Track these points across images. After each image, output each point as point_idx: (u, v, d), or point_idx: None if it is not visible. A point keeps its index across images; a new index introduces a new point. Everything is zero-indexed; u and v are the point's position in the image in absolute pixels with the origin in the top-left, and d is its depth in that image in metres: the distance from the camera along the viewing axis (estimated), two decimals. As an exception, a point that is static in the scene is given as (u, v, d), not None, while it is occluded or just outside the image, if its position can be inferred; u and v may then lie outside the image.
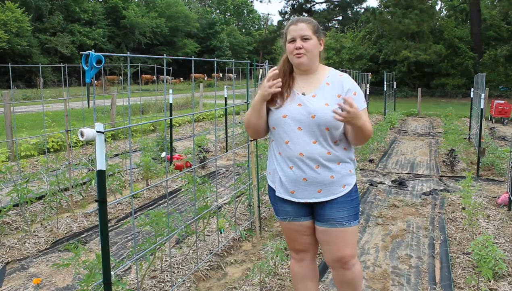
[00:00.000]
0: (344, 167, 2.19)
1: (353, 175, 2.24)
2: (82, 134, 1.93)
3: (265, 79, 2.16)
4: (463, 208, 4.75)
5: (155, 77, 20.29)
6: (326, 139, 2.13)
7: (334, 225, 2.19)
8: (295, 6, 42.38)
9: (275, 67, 2.23)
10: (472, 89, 11.06)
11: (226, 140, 8.54)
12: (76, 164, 6.30)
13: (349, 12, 47.60)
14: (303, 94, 2.18)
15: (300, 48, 2.13)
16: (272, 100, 2.19)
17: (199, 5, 64.73)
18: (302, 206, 2.23)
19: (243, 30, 69.08)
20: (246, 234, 4.08)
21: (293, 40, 2.16)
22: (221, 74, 38.46)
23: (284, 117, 2.15)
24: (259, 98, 2.15)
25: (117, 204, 5.09)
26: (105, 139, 2.32)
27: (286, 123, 2.15)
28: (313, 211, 2.26)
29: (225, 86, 8.77)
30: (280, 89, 2.11)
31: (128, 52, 2.85)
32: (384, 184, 6.20)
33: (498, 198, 5.18)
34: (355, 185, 2.25)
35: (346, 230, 2.20)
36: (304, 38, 2.14)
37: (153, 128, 11.23)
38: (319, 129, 2.11)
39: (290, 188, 2.19)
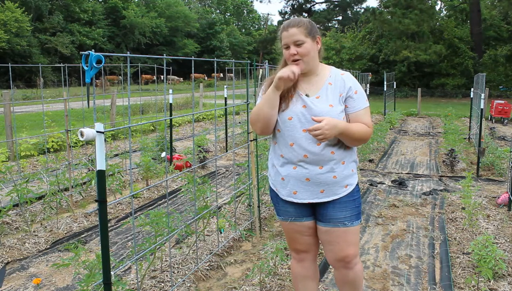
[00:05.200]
0: (347, 166, 2.19)
1: (355, 175, 2.23)
2: (82, 134, 1.93)
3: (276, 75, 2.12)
4: (463, 208, 4.75)
5: (155, 77, 20.30)
6: (331, 140, 2.12)
7: (336, 225, 2.19)
8: (295, 6, 42.40)
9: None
10: (472, 89, 11.05)
11: (226, 140, 8.54)
12: (76, 164, 6.30)
13: (349, 12, 47.59)
14: (307, 95, 2.16)
15: (294, 54, 2.11)
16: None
17: (199, 5, 64.73)
18: (304, 206, 2.23)
19: (243, 30, 69.08)
20: (246, 234, 4.08)
21: (287, 47, 2.14)
22: (221, 74, 38.48)
23: (289, 119, 2.13)
24: (273, 88, 2.11)
25: (117, 204, 5.09)
26: (105, 139, 2.32)
27: (292, 125, 2.13)
28: (315, 211, 2.25)
29: (225, 86, 8.76)
30: (291, 81, 2.08)
31: (128, 52, 2.85)
32: (384, 184, 6.20)
33: (498, 198, 5.18)
34: (357, 184, 2.25)
35: (348, 229, 2.20)
36: (297, 44, 2.11)
37: (153, 128, 11.22)
38: None
39: (292, 189, 2.18)
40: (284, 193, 2.22)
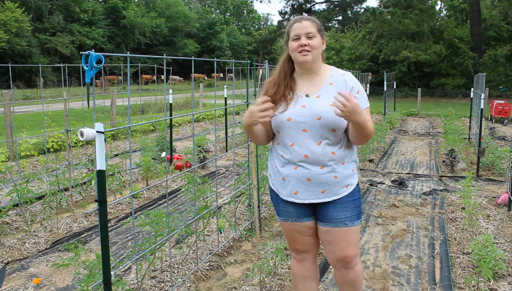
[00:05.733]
0: (347, 166, 2.19)
1: (355, 175, 2.23)
2: (82, 134, 1.93)
3: (256, 105, 2.09)
4: (463, 208, 4.75)
5: (155, 77, 20.32)
6: (331, 140, 2.12)
7: (337, 225, 2.19)
8: (295, 6, 42.35)
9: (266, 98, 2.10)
10: (472, 89, 11.06)
11: (226, 140, 8.54)
12: (76, 164, 6.30)
13: (349, 12, 47.57)
14: (307, 95, 2.15)
15: (305, 45, 2.11)
16: (276, 105, 2.17)
17: (199, 5, 64.75)
18: (305, 206, 2.23)
19: (243, 30, 69.08)
20: (246, 234, 4.08)
21: (297, 38, 2.13)
22: (221, 74, 38.48)
23: (288, 120, 2.13)
24: (247, 125, 2.11)
25: (117, 204, 5.09)
26: (105, 139, 2.33)
27: (291, 126, 2.13)
28: (315, 211, 2.25)
29: (225, 86, 8.77)
30: (269, 118, 2.08)
31: (128, 52, 2.85)
32: (384, 184, 6.20)
33: (498, 198, 5.18)
34: (357, 184, 2.24)
35: (349, 229, 2.20)
36: (309, 36, 2.12)
37: (153, 128, 11.22)
38: (325, 131, 2.10)
39: (293, 189, 2.18)
40: (284, 193, 2.22)
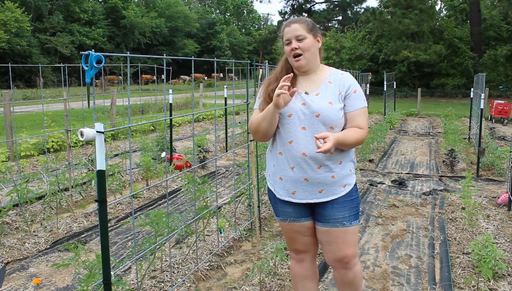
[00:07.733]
0: (345, 166, 2.19)
1: (353, 175, 2.24)
2: (82, 134, 1.93)
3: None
4: (463, 208, 4.75)
5: (155, 77, 20.30)
6: None
7: (335, 225, 2.19)
8: (295, 6, 42.39)
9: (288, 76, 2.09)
10: (472, 89, 11.05)
11: (226, 140, 8.54)
12: (76, 164, 6.30)
13: (349, 12, 47.58)
14: (306, 93, 2.17)
15: (296, 48, 2.13)
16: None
17: (199, 5, 64.74)
18: (303, 206, 2.23)
19: (243, 30, 69.07)
20: (246, 234, 4.08)
21: (289, 42, 2.16)
22: (221, 74, 38.47)
23: (289, 116, 2.15)
24: (272, 106, 2.08)
25: (117, 204, 5.09)
26: (105, 139, 2.32)
27: (291, 122, 2.14)
28: (313, 211, 2.26)
29: (225, 86, 8.77)
30: (288, 92, 2.04)
31: (128, 52, 2.85)
32: (384, 184, 6.20)
33: (498, 198, 5.18)
34: (355, 184, 2.25)
35: (347, 229, 2.20)
36: (299, 39, 2.14)
37: (153, 128, 11.22)
38: (323, 129, 2.11)
39: (291, 189, 2.19)
40: (282, 193, 2.23)
